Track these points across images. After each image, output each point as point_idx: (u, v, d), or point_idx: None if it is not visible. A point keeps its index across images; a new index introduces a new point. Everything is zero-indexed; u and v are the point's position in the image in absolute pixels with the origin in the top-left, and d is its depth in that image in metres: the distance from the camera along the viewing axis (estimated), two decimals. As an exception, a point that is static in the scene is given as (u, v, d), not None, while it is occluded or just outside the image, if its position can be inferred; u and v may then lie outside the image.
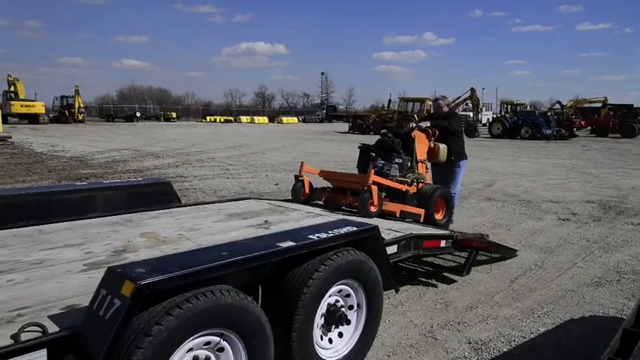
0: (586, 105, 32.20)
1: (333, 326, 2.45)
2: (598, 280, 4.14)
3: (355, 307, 2.57)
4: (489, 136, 27.57)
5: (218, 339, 1.87)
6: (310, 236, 2.32)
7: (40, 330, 1.66)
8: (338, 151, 16.94)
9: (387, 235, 3.26)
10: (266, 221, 3.60)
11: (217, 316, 1.82)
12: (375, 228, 2.64)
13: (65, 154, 14.04)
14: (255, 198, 5.23)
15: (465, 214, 6.70)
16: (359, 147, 5.24)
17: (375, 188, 4.16)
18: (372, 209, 4.12)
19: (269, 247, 2.12)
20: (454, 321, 3.30)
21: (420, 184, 4.84)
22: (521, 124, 26.65)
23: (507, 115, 28.58)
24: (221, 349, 1.91)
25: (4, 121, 25.34)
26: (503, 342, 3.01)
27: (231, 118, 55.36)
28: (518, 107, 30.54)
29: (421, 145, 5.14)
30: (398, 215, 4.35)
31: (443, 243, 3.76)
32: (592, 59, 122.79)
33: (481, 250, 4.03)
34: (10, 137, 18.13)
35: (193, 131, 30.03)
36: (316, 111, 62.97)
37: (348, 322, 2.49)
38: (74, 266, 2.43)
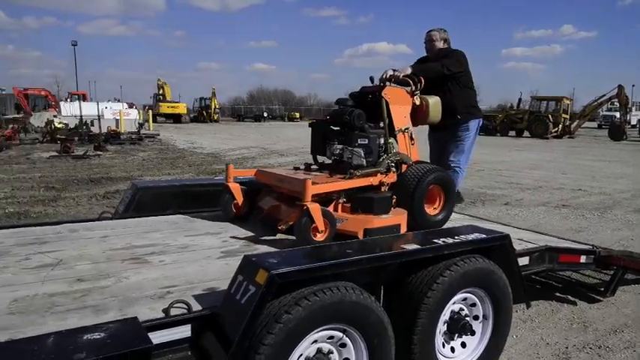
0: None
1: (456, 335, 2.35)
2: None
3: (481, 318, 2.44)
4: (640, 139, 24.30)
5: (341, 334, 1.91)
6: (435, 240, 2.27)
7: (186, 307, 1.85)
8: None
9: (517, 246, 3.04)
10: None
11: (341, 312, 1.85)
12: (507, 237, 2.49)
13: (202, 150, 15.50)
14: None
15: (609, 226, 5.98)
16: (309, 125, 3.62)
17: (315, 207, 2.65)
18: (318, 237, 2.68)
19: (395, 249, 2.12)
20: (594, 344, 2.97)
21: (403, 167, 3.24)
22: (682, 126, 23.07)
23: (664, 116, 24.94)
24: (343, 345, 1.94)
25: (154, 120, 28.85)
26: (656, 376, 2.63)
27: (352, 118, 56.18)
28: (679, 107, 26.47)
29: (400, 107, 3.42)
30: (361, 236, 2.78)
31: (583, 259, 3.39)
32: None
33: (630, 271, 3.56)
34: (159, 135, 20.59)
35: (315, 131, 31.01)
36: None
37: (473, 333, 2.38)
38: (213, 252, 2.67)
